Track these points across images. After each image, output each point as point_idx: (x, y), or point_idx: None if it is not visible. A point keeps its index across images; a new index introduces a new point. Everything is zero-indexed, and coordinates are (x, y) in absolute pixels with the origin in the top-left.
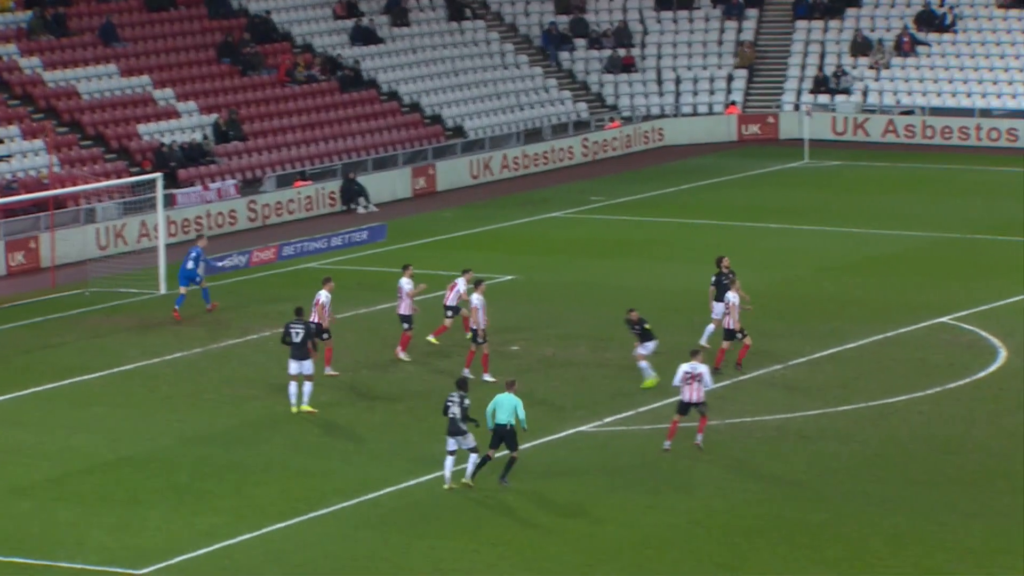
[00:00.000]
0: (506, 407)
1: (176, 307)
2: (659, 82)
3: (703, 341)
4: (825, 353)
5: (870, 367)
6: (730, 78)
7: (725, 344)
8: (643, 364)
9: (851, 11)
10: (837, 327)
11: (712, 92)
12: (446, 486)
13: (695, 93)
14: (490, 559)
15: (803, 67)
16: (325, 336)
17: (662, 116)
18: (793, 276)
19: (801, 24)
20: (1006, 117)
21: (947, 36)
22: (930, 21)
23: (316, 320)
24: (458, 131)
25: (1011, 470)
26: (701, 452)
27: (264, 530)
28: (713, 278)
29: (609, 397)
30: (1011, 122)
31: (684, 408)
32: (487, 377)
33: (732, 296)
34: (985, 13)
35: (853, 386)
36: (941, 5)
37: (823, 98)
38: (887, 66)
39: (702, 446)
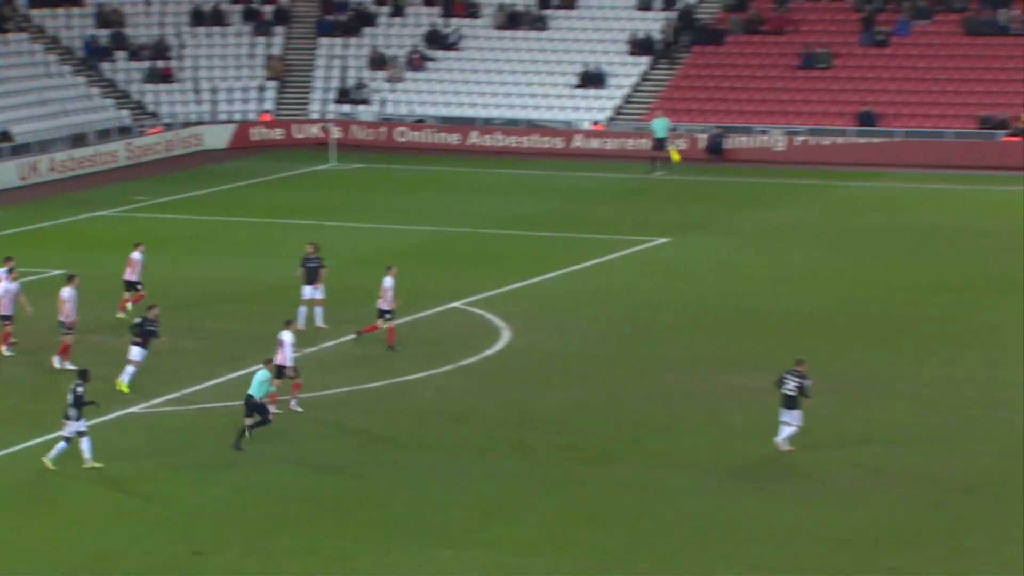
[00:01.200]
0: (254, 381)
1: None
2: (196, 91)
3: (300, 324)
4: (349, 337)
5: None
6: (262, 88)
7: (382, 323)
8: (131, 368)
9: (368, 29)
10: (364, 312)
11: (246, 101)
12: (46, 461)
13: (230, 102)
14: (40, 533)
15: (327, 79)
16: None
17: (200, 123)
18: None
19: (324, 40)
20: (504, 126)
21: (452, 53)
22: (437, 40)
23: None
24: (5, 136)
25: (514, 437)
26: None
27: None
28: (301, 262)
29: (156, 380)
30: (508, 129)
31: (279, 372)
32: (58, 363)
33: (388, 281)
34: (484, 34)
35: (378, 364)
36: (447, 26)
37: (346, 107)
38: (401, 79)
39: (293, 410)
